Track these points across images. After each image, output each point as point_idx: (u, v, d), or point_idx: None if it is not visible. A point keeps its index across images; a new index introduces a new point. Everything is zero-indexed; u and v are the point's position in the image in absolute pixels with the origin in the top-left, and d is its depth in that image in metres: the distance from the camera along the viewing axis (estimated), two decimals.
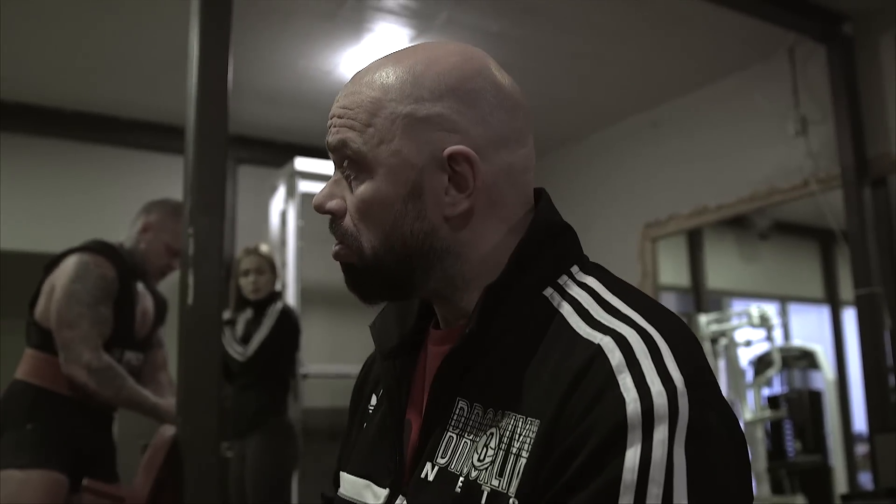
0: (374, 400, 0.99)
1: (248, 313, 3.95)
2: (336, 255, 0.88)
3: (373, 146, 0.83)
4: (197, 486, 2.24)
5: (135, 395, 2.63)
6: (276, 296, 4.00)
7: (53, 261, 2.70)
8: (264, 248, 4.01)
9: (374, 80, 0.85)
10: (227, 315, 3.90)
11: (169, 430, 2.40)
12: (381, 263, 0.85)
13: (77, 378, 2.54)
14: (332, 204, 0.87)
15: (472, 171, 0.83)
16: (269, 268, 3.95)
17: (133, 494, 2.30)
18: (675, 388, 0.69)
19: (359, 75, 0.88)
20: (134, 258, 2.80)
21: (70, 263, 2.63)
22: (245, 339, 3.85)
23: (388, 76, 0.85)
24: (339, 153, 0.86)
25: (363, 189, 0.84)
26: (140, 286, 2.86)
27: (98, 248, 2.71)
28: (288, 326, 3.91)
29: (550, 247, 0.86)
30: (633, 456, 0.66)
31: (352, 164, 0.85)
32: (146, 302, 2.89)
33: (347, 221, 0.86)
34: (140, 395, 2.65)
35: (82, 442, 2.62)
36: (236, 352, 3.81)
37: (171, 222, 2.83)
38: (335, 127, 0.86)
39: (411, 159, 0.83)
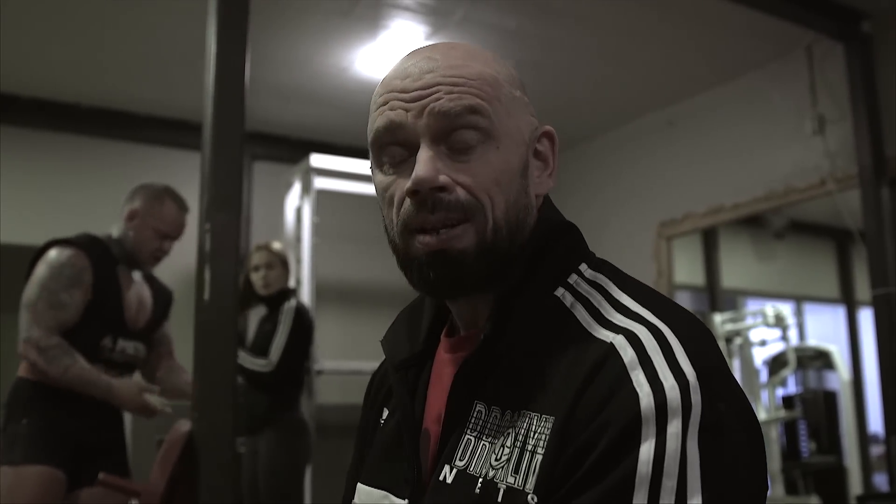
0: (385, 412, 0.99)
1: (260, 311, 3.95)
2: (450, 241, 0.80)
3: (500, 118, 0.82)
4: (212, 480, 2.25)
5: (84, 375, 2.56)
6: (289, 293, 3.99)
7: (37, 254, 2.72)
8: (276, 245, 4.01)
9: (478, 58, 0.84)
10: None
11: (184, 426, 2.41)
12: (498, 240, 0.82)
13: (29, 356, 2.54)
14: (444, 178, 0.80)
15: (553, 150, 0.90)
16: (279, 263, 3.94)
17: (149, 489, 2.31)
18: (687, 382, 0.70)
19: (444, 52, 0.84)
20: (124, 247, 2.79)
21: (46, 255, 2.66)
22: (257, 341, 3.86)
23: (488, 59, 0.85)
24: (459, 120, 0.80)
25: (493, 158, 0.82)
26: (137, 276, 2.86)
27: (75, 239, 2.73)
28: (303, 326, 3.90)
29: (558, 247, 0.87)
30: (647, 450, 0.67)
31: (479, 131, 0.81)
32: (142, 291, 2.88)
33: (462, 193, 0.80)
34: (91, 374, 2.57)
35: (84, 438, 2.61)
36: (257, 364, 3.76)
37: (156, 206, 2.81)
38: (451, 94, 0.80)
39: (525, 136, 0.86)
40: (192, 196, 2.76)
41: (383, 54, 4.23)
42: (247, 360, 3.76)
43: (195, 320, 2.37)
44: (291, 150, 5.30)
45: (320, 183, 4.71)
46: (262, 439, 3.79)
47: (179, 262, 5.00)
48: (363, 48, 4.22)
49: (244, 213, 5.12)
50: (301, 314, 3.90)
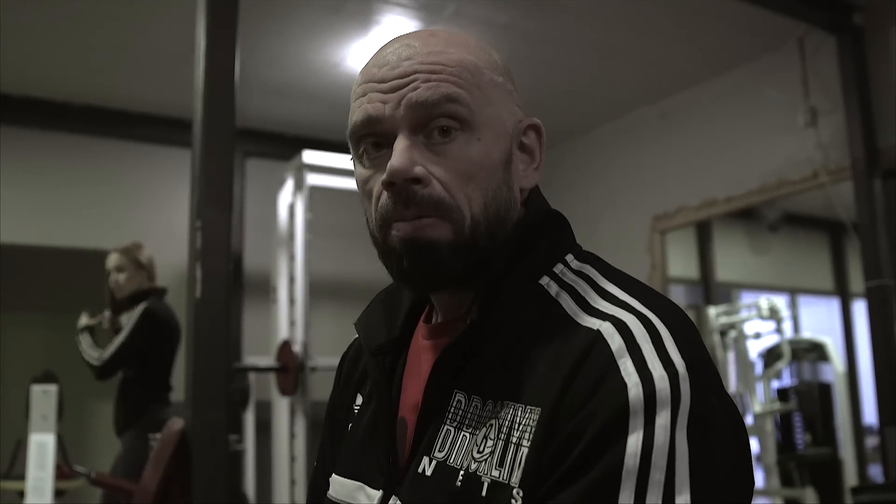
0: (359, 399, 0.97)
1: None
2: (423, 228, 0.78)
3: (480, 106, 0.80)
4: (206, 478, 2.24)
5: None
6: (148, 294, 3.91)
7: None
8: (131, 246, 3.97)
9: (458, 45, 0.82)
10: (85, 321, 3.90)
11: (177, 423, 2.40)
12: (476, 236, 0.79)
13: None
14: (419, 169, 0.78)
15: (540, 143, 0.87)
16: (131, 265, 3.91)
17: (142, 488, 2.31)
18: (676, 372, 0.68)
19: (423, 39, 0.82)
20: None
21: None
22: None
23: (470, 45, 0.83)
24: (436, 109, 0.78)
25: (473, 150, 0.79)
26: None
27: None
28: (151, 326, 3.82)
29: (544, 236, 0.85)
30: (635, 441, 0.65)
31: (458, 120, 0.79)
32: None
33: (438, 189, 0.78)
34: None
35: None
36: (91, 356, 3.77)
37: None
38: (428, 82, 0.78)
39: (508, 127, 0.84)
40: (184, 193, 2.75)
41: (375, 50, 4.22)
42: (86, 350, 3.79)
43: (187, 318, 2.37)
44: (284, 146, 5.29)
45: (313, 179, 4.69)
46: (124, 441, 3.83)
47: (171, 260, 5.01)
48: (355, 44, 4.21)
49: (237, 210, 5.12)
50: (150, 316, 3.82)
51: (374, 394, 0.89)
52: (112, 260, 3.92)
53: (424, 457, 0.79)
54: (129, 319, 3.82)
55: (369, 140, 0.82)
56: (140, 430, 3.78)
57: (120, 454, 3.83)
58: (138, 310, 3.82)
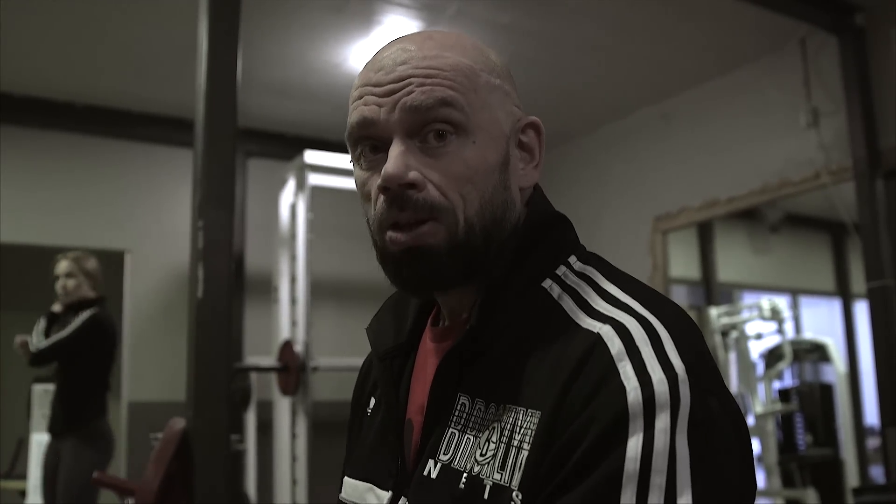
0: (372, 403, 0.98)
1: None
2: (420, 237, 0.79)
3: (476, 110, 0.80)
4: (207, 477, 2.24)
5: None
6: (92, 302, 4.08)
7: None
8: (81, 255, 4.14)
9: (455, 48, 0.83)
10: (56, 308, 4.06)
11: (179, 423, 2.40)
12: (470, 238, 0.80)
13: None
14: (414, 174, 0.78)
15: (539, 141, 0.88)
16: (79, 272, 4.08)
17: (144, 487, 2.31)
18: (675, 375, 0.68)
19: (420, 42, 0.83)
20: None
21: None
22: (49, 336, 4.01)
23: (466, 48, 0.83)
24: (431, 113, 0.78)
25: (468, 153, 0.80)
26: None
27: None
28: (94, 332, 3.99)
29: (547, 238, 0.85)
30: (634, 445, 0.65)
31: (452, 125, 0.79)
32: None
33: (433, 193, 0.78)
34: None
35: None
36: (31, 342, 3.95)
37: None
38: (423, 87, 0.79)
39: (504, 129, 0.84)
40: (185, 193, 2.76)
41: (375, 51, 4.22)
42: (34, 333, 3.98)
43: (189, 318, 2.37)
44: (286, 146, 5.29)
45: (315, 179, 4.70)
46: (64, 444, 3.92)
47: (172, 260, 5.02)
48: (357, 44, 4.21)
49: (239, 210, 5.12)
50: (96, 323, 4.01)
51: (383, 397, 0.91)
52: (62, 266, 4.08)
53: (430, 459, 0.80)
54: (75, 321, 3.98)
55: (366, 143, 0.82)
56: (83, 442, 3.91)
57: (58, 459, 3.91)
58: (85, 314, 4.00)
